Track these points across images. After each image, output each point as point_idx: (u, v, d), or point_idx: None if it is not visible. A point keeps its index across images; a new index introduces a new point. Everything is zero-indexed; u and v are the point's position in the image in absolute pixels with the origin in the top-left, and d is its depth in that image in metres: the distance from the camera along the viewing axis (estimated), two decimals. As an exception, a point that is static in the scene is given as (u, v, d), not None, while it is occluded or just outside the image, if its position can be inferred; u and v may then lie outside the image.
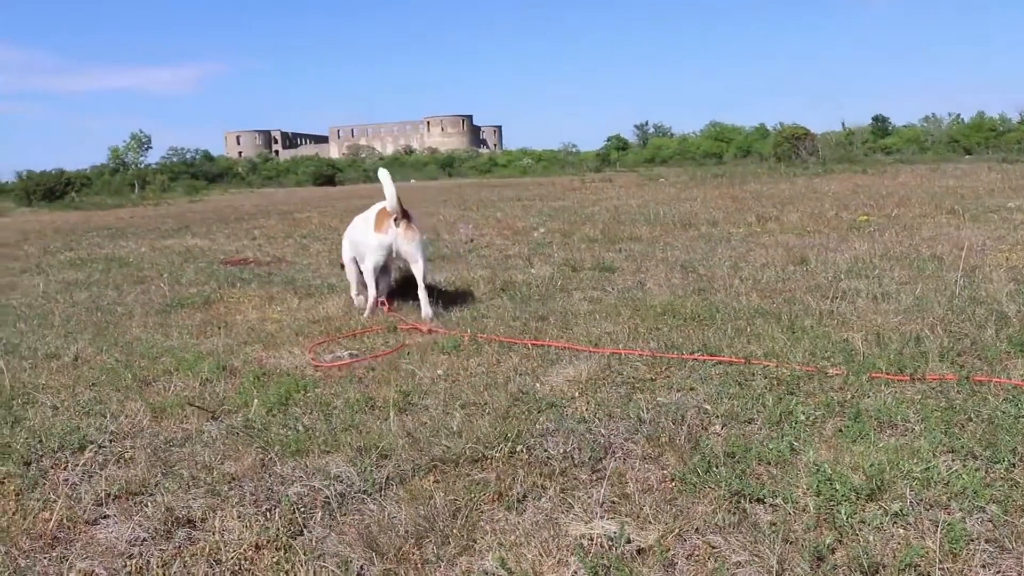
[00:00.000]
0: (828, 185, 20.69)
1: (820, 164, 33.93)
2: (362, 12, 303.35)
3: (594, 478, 3.12)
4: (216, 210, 28.12)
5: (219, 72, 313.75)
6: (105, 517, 3.07)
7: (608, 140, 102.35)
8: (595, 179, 38.36)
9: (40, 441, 3.80)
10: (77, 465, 3.52)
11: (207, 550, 2.74)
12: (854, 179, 23.39)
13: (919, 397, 3.76)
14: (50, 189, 50.07)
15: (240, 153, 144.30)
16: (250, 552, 2.70)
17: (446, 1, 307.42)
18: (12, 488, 3.33)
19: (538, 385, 4.25)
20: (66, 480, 3.39)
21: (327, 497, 3.01)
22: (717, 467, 3.07)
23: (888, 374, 4.09)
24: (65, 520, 3.02)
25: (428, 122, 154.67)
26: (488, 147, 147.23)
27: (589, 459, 3.25)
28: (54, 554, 2.80)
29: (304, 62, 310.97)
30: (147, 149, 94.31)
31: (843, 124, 67.20)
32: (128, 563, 2.72)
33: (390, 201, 6.21)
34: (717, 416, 3.66)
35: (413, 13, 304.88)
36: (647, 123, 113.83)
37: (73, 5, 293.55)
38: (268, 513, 2.96)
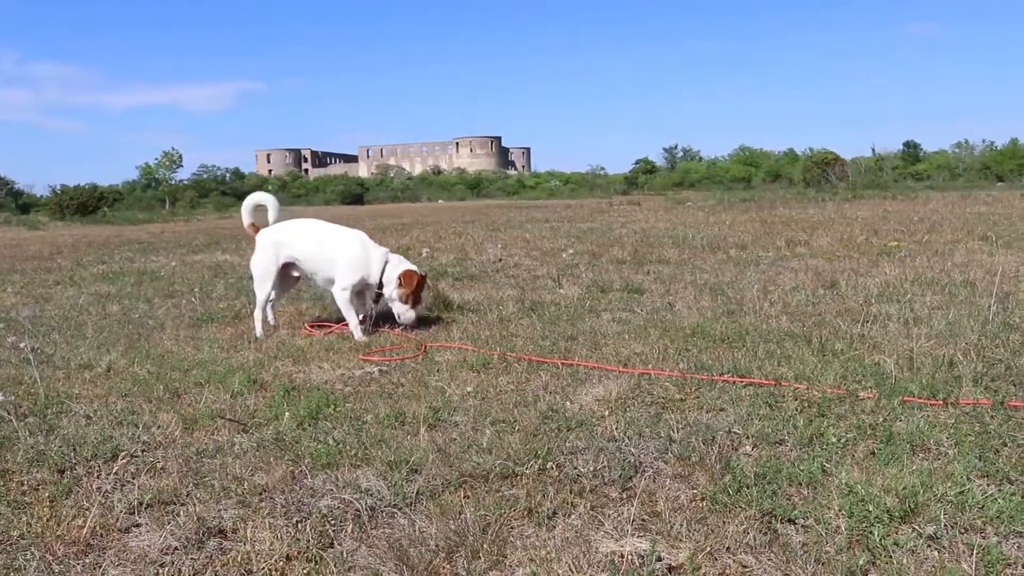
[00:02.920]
0: (858, 211, 20.58)
1: (849, 189, 33.75)
2: (395, 34, 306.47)
3: (624, 496, 3.12)
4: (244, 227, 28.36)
5: (252, 91, 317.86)
6: (137, 525, 3.10)
7: (636, 163, 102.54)
8: (623, 202, 38.42)
9: (74, 449, 3.84)
10: (110, 474, 3.56)
11: (239, 560, 2.76)
12: (884, 205, 23.26)
13: (952, 421, 3.73)
14: (83, 204, 50.76)
15: (270, 171, 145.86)
16: (281, 563, 2.71)
17: (477, 24, 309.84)
18: (47, 495, 3.36)
19: (568, 404, 4.25)
20: (99, 488, 3.43)
21: (358, 510, 3.03)
22: (748, 487, 3.06)
23: (921, 398, 4.06)
24: (98, 527, 3.05)
25: (457, 143, 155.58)
26: (516, 168, 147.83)
27: (619, 477, 3.25)
28: (87, 560, 2.83)
29: (336, 82, 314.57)
30: (178, 166, 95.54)
31: (873, 149, 66.81)
32: (160, 571, 2.74)
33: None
34: (748, 437, 3.65)
35: (445, 35, 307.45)
36: (676, 146, 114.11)
37: (113, 23, 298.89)
38: (299, 525, 2.97)
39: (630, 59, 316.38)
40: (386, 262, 6.63)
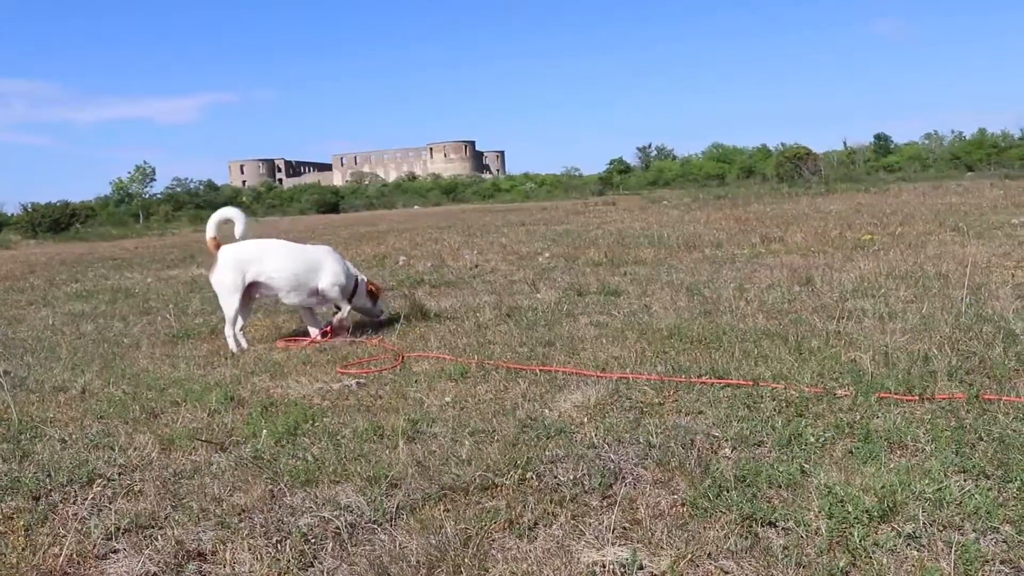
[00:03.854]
0: (831, 204, 20.73)
1: (822, 183, 34.04)
2: (364, 41, 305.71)
3: (605, 504, 3.11)
4: (222, 239, 28.19)
5: (223, 102, 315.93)
6: (115, 551, 3.06)
7: (610, 163, 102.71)
8: (598, 203, 38.51)
9: (49, 475, 3.79)
10: (86, 499, 3.52)
11: (218, 583, 2.73)
12: (857, 198, 23.45)
13: (929, 417, 3.75)
14: (55, 221, 50.35)
15: (244, 182, 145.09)
16: (261, 585, 2.69)
17: (447, 29, 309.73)
18: (21, 523, 3.31)
19: (547, 411, 4.24)
20: (75, 514, 3.38)
21: (337, 528, 3.00)
22: (728, 491, 3.06)
23: (897, 394, 4.08)
24: (75, 555, 3.01)
25: (431, 148, 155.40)
26: (491, 172, 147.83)
27: (599, 485, 3.24)
28: (64, 589, 2.80)
29: (307, 91, 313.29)
30: (151, 180, 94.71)
31: (845, 143, 67.46)
32: (139, 597, 2.71)
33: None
34: (727, 439, 3.66)
35: (414, 41, 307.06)
36: (650, 145, 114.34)
37: (79, 36, 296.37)
38: (279, 545, 2.94)
39: (602, 60, 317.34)
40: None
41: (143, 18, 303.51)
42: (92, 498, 3.53)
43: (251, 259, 6.76)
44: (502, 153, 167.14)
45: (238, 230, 7.00)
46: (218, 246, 6.87)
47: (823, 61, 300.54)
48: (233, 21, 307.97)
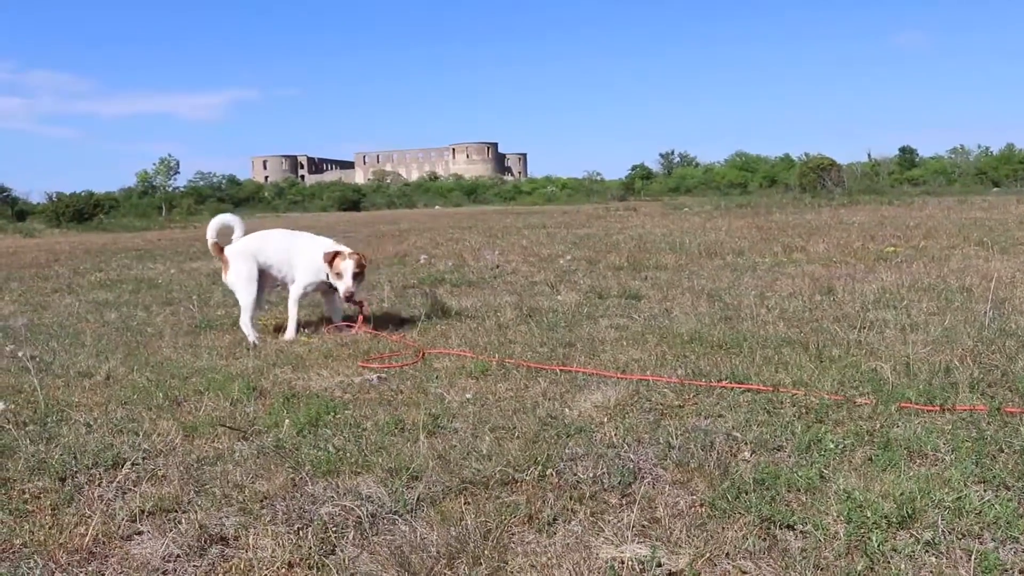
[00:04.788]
0: (854, 216, 20.64)
1: (846, 195, 33.83)
2: (389, 40, 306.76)
3: (624, 502, 3.13)
4: (243, 234, 28.37)
5: (248, 98, 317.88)
6: (139, 533, 3.11)
7: (633, 169, 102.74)
8: (619, 207, 38.51)
9: (75, 457, 3.85)
10: (111, 482, 3.57)
11: (241, 567, 2.77)
12: (880, 211, 23.31)
13: (949, 427, 3.75)
14: (79, 211, 50.71)
15: (266, 178, 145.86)
16: (283, 570, 2.73)
17: (474, 30, 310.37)
18: (48, 503, 3.37)
19: (567, 410, 4.27)
20: (101, 496, 3.44)
21: (359, 517, 3.04)
22: (747, 493, 3.08)
23: (918, 404, 4.08)
24: (100, 535, 3.06)
25: (453, 149, 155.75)
26: (513, 174, 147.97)
27: (619, 483, 3.27)
28: (90, 568, 2.84)
29: (332, 89, 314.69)
30: (175, 173, 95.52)
31: (869, 155, 66.92)
32: (160, 579, 2.76)
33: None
34: (746, 443, 3.67)
35: (442, 41, 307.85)
36: (672, 152, 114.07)
37: (107, 31, 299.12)
38: (300, 532, 2.98)
39: (626, 65, 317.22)
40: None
41: (170, 14, 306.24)
42: (117, 481, 3.58)
43: (257, 249, 6.99)
44: (524, 155, 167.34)
45: (237, 235, 7.14)
46: (221, 250, 7.04)
47: (848, 72, 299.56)
48: (258, 18, 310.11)
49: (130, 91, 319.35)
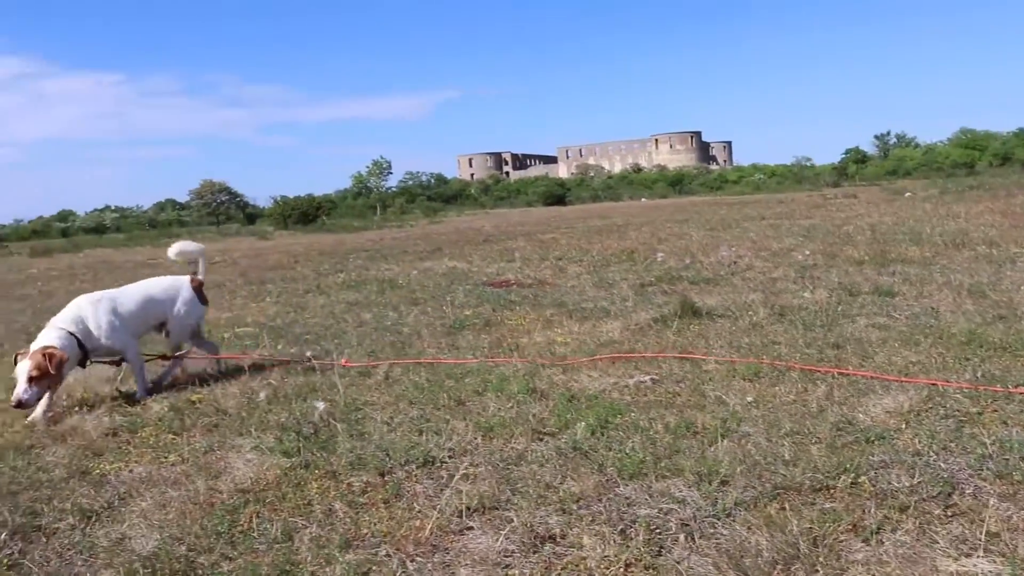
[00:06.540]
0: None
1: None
2: (588, 32, 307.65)
3: (948, 514, 3.09)
4: (458, 231, 29.36)
5: (451, 98, 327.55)
6: (469, 529, 3.35)
7: (846, 153, 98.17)
8: (837, 194, 36.97)
9: (387, 454, 4.18)
10: (428, 478, 3.87)
11: (576, 565, 2.95)
12: None
13: None
14: (303, 213, 54.05)
15: (472, 175, 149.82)
16: (621, 570, 2.88)
17: (671, 17, 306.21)
18: (379, 497, 3.70)
19: (859, 416, 4.22)
20: (423, 492, 3.73)
21: (683, 520, 3.16)
22: (1086, 509, 2.96)
23: None
24: (436, 529, 3.33)
25: (656, 139, 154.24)
26: (717, 163, 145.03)
27: (939, 494, 3.22)
28: (436, 560, 3.11)
29: (532, 85, 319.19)
30: (387, 174, 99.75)
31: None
32: (503, 573, 2.98)
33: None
34: (1068, 454, 3.51)
35: (639, 31, 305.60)
36: (888, 133, 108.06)
37: (316, 44, 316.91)
38: (624, 532, 3.13)
39: (834, 42, 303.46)
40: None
41: (376, 24, 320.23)
42: (432, 478, 3.87)
43: None
44: (729, 143, 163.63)
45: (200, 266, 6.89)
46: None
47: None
48: (459, 21, 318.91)
49: (339, 98, 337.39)
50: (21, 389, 5.38)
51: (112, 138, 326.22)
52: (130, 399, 5.87)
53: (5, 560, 3.33)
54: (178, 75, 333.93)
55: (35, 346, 5.57)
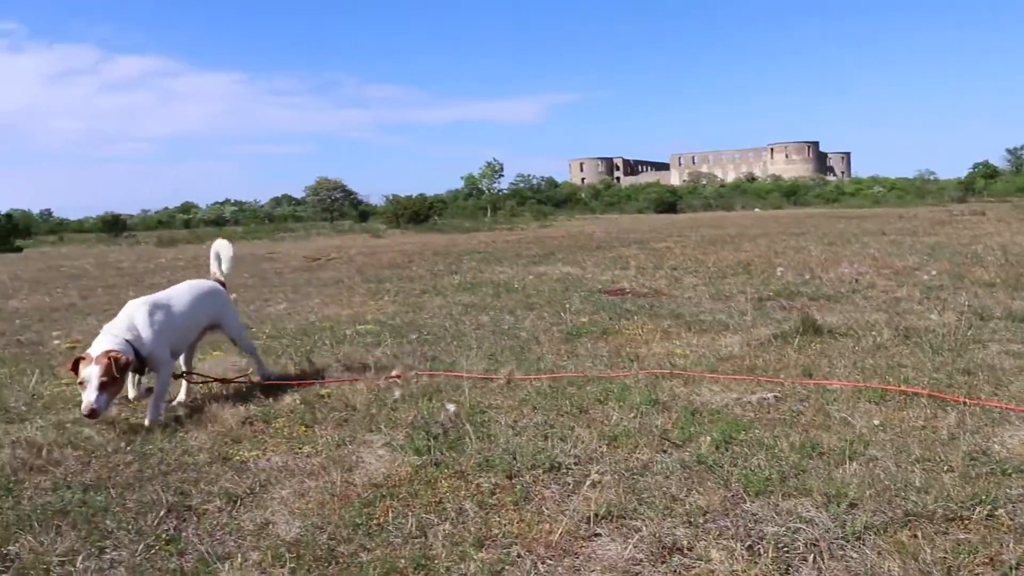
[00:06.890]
0: None
1: None
2: (705, 39, 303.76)
3: (1096, 556, 3.02)
4: (570, 236, 29.44)
5: (565, 102, 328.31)
6: (597, 535, 3.43)
7: (974, 167, 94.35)
8: (963, 211, 35.65)
9: (514, 458, 4.29)
10: (555, 483, 3.96)
11: (706, 577, 3.00)
12: None
13: None
14: (415, 212, 54.96)
15: (583, 180, 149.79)
16: (752, 585, 2.92)
17: (792, 25, 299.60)
18: (509, 499, 3.81)
19: (995, 446, 4.13)
20: (551, 496, 3.83)
21: (813, 539, 3.17)
22: None
23: None
24: (565, 533, 3.42)
25: (772, 148, 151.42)
26: (835, 174, 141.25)
27: (1085, 534, 3.15)
28: (566, 563, 3.20)
29: (647, 90, 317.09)
30: (499, 176, 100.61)
31: None
32: (636, 580, 3.05)
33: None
34: None
35: (757, 38, 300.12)
36: (1023, 147, 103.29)
37: (436, 46, 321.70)
38: (752, 549, 3.17)
39: (965, 47, 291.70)
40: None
41: (493, 27, 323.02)
42: (559, 483, 3.97)
43: None
44: (848, 154, 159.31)
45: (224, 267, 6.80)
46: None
47: None
48: (574, 24, 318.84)
49: (456, 99, 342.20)
50: (93, 396, 5.03)
51: (234, 134, 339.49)
52: (259, 388, 6.10)
53: (164, 535, 3.58)
54: (301, 75, 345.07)
55: (94, 351, 5.23)
